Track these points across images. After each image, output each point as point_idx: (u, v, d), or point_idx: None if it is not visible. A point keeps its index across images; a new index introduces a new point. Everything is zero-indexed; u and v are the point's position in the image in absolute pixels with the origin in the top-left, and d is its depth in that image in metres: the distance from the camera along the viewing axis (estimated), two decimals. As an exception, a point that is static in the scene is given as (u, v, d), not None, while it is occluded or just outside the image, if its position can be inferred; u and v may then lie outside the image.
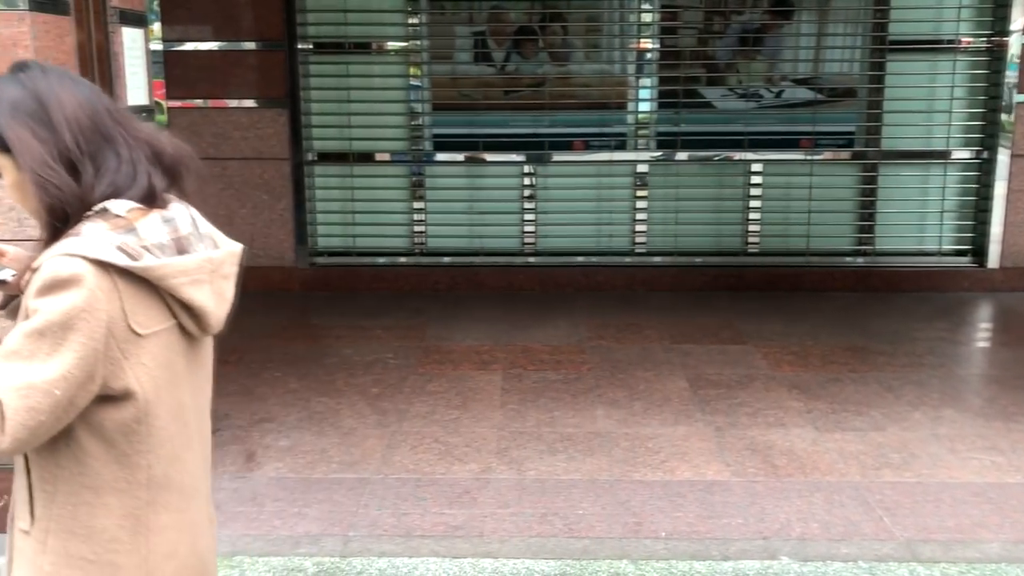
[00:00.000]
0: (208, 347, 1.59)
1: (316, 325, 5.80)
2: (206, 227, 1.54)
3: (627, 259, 6.66)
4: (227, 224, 6.82)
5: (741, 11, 6.56)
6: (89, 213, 1.41)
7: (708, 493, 3.52)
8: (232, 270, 1.54)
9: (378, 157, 6.62)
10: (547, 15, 6.53)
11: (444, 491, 3.54)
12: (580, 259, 6.66)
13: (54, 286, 1.34)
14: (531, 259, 6.67)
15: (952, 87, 6.56)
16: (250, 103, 6.42)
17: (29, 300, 1.37)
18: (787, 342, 5.38)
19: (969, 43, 6.46)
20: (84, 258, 1.35)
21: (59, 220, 1.41)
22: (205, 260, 1.47)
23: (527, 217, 6.65)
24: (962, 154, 6.58)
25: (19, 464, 1.49)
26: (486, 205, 6.65)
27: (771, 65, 6.66)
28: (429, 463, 3.78)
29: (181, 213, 1.50)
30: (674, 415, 4.28)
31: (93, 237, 1.37)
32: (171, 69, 6.35)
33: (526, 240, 6.67)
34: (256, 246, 6.48)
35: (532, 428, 4.13)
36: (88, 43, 3.33)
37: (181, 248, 1.46)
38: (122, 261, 1.36)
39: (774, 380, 4.74)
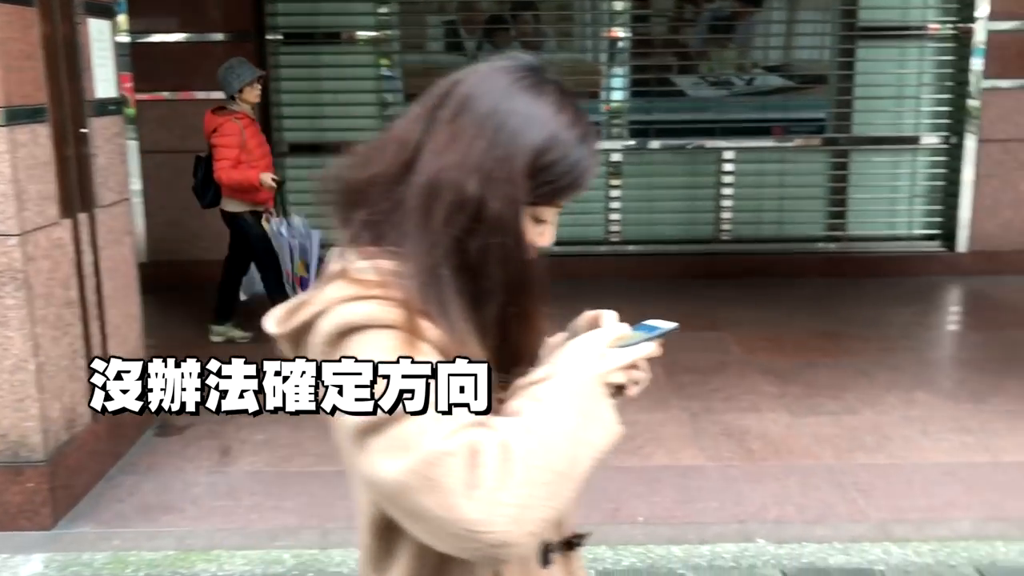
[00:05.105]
0: None
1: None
2: None
3: (601, 248, 6.67)
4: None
5: (712, -1, 6.59)
6: None
7: (684, 478, 3.54)
8: None
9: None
10: (518, 3, 6.52)
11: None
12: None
13: None
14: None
15: (920, 73, 6.64)
16: (219, 94, 6.35)
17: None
18: (761, 328, 5.42)
19: (936, 30, 6.51)
20: None
21: None
22: None
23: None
24: (931, 140, 6.65)
25: None
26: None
27: (742, 53, 6.69)
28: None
29: None
30: (650, 401, 4.29)
31: None
32: (138, 61, 6.30)
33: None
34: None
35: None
36: (54, 34, 3.28)
37: None
38: None
39: (748, 366, 4.78)
